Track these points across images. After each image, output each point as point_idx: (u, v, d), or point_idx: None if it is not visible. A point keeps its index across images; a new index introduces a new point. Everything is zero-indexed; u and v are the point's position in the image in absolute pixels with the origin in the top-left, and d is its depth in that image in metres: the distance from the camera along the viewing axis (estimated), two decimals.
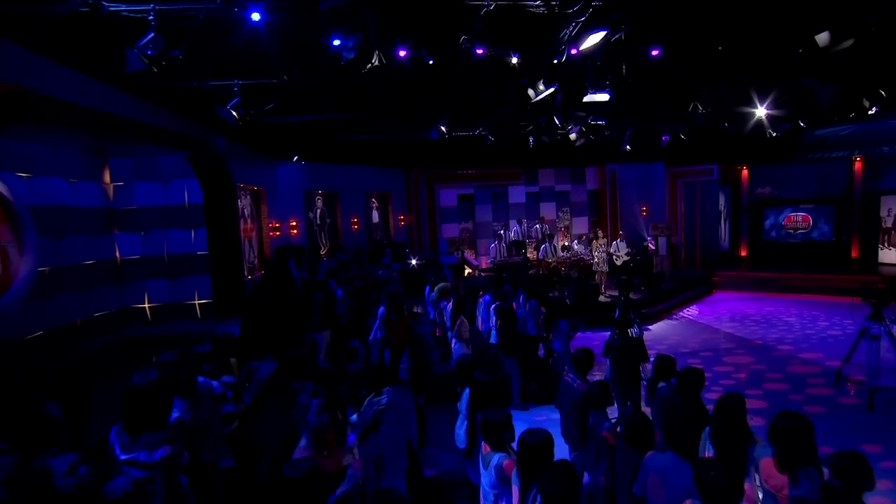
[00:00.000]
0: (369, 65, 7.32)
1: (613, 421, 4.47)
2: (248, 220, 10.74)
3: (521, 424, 3.62)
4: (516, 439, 3.27)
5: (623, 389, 6.44)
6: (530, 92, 9.11)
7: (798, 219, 16.92)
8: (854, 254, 15.93)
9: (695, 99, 10.59)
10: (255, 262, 10.64)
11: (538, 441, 3.00)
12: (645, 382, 6.65)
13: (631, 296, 8.02)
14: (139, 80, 6.84)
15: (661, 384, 4.99)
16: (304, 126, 12.13)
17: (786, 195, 17.17)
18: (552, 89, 8.84)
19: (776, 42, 8.12)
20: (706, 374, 4.57)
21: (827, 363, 9.08)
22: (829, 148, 16.30)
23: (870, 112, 11.47)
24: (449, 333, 8.42)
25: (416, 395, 7.78)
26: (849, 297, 13.50)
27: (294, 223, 12.79)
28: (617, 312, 7.53)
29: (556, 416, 7.82)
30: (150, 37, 5.62)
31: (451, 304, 8.36)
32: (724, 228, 17.99)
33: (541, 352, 9.17)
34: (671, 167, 17.68)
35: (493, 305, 8.89)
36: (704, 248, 17.52)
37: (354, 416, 4.19)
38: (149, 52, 5.69)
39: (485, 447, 3.62)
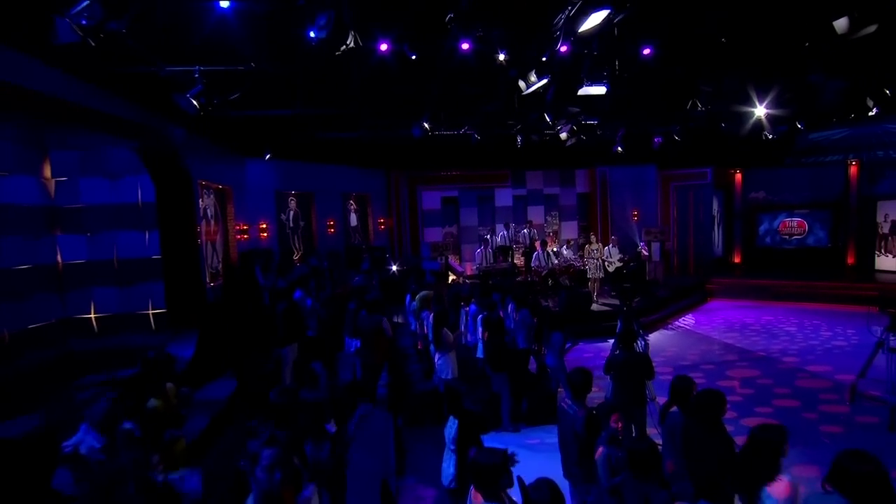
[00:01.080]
0: (344, 46, 6.67)
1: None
2: (212, 222, 9.97)
3: (511, 450, 3.02)
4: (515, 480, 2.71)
5: (627, 412, 5.85)
6: (521, 84, 8.56)
7: (793, 224, 16.76)
8: (850, 260, 15.74)
9: (694, 95, 10.16)
10: (220, 267, 9.86)
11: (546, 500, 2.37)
12: (651, 403, 6.10)
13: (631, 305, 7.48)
14: (80, 60, 6.16)
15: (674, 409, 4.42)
16: (277, 121, 11.47)
17: (780, 200, 17.01)
18: (545, 80, 8.30)
19: (784, 34, 7.72)
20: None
21: (837, 377, 8.66)
22: (822, 152, 16.17)
23: (870, 113, 11.21)
24: (431, 347, 7.77)
25: (395, 416, 7.11)
26: (847, 306, 13.47)
27: (264, 225, 12.05)
28: (618, 325, 6.97)
29: (551, 438, 7.23)
30: (84, 4, 4.91)
31: (433, 314, 7.70)
32: (717, 234, 17.77)
33: (532, 365, 8.59)
34: (664, 170, 17.44)
35: (480, 316, 8.28)
36: (698, 254, 17.27)
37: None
38: (83, 23, 4.99)
39: (475, 495, 2.98)
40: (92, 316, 8.06)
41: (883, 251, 15.27)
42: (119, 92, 6.76)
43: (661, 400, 6.31)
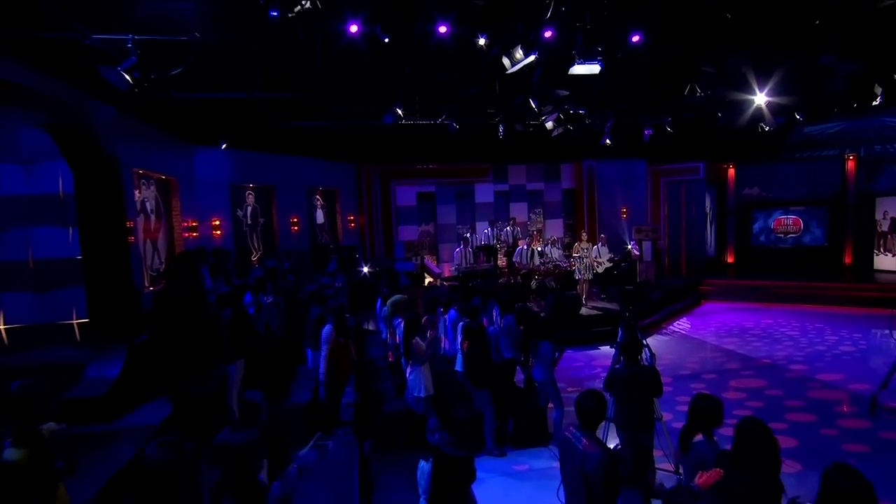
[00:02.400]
0: (298, 7, 5.86)
1: None
2: (152, 217, 9.01)
3: (495, 479, 2.31)
4: None
5: (632, 436, 5.17)
6: (505, 61, 7.84)
7: (788, 222, 16.50)
8: (848, 260, 15.52)
9: (693, 79, 9.61)
10: (162, 269, 8.91)
11: None
12: (659, 425, 5.44)
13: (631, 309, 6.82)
14: None
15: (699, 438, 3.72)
16: (232, 106, 10.70)
17: (775, 196, 16.74)
18: (532, 57, 7.60)
19: (796, 8, 7.18)
20: None
21: (851, 386, 8.18)
22: (818, 146, 15.96)
23: (875, 102, 10.82)
24: (403, 359, 6.99)
25: (362, 442, 6.31)
26: (847, 308, 13.18)
27: (217, 222, 11.12)
28: (619, 333, 6.29)
29: (541, 463, 6.56)
30: None
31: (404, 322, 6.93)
32: (710, 232, 17.47)
33: (518, 375, 7.88)
34: (654, 165, 17.07)
35: (461, 324, 7.54)
36: (690, 253, 16.93)
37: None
38: None
39: None
40: (1, 327, 7.06)
41: (882, 250, 15.05)
42: (30, 60, 5.83)
43: (667, 415, 5.69)
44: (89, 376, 6.14)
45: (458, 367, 7.51)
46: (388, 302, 7.88)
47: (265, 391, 6.81)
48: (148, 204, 8.86)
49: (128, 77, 6.85)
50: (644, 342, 5.44)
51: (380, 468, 6.23)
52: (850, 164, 15.40)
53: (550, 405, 6.97)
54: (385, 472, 6.19)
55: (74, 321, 7.38)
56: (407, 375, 6.80)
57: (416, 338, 6.69)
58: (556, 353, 6.96)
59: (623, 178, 17.07)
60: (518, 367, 7.81)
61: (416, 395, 6.62)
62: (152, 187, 9.07)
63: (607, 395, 5.67)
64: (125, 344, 6.36)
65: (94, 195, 6.14)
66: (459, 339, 7.55)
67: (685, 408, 4.23)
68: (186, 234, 10.16)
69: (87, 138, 6.06)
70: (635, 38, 7.61)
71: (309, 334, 7.44)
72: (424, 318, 9.61)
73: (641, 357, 5.54)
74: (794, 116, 12.68)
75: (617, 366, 5.66)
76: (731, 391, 8.31)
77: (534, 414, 7.02)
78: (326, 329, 6.22)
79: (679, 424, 6.84)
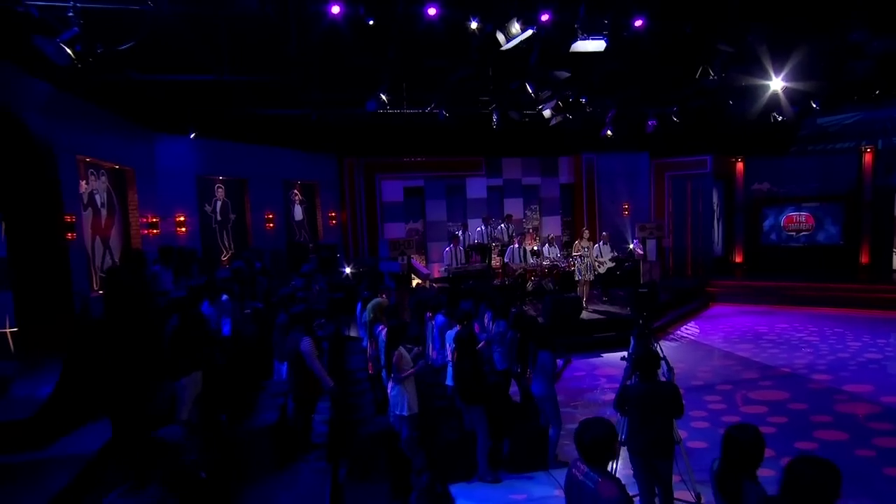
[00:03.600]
0: None
1: None
2: (104, 212, 8.32)
3: None
4: None
5: (648, 463, 4.57)
6: (500, 37, 7.24)
7: (800, 219, 16.09)
8: (864, 259, 15.12)
9: (706, 60, 9.06)
10: None
11: None
12: (678, 448, 4.84)
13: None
14: None
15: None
16: (201, 89, 10.11)
17: (786, 192, 16.38)
18: (529, 32, 7.00)
19: None
20: (733, 417, 3.10)
21: (882, 399, 7.69)
22: (832, 138, 15.56)
23: None
24: (384, 372, 6.36)
25: (336, 468, 5.68)
26: (866, 311, 12.65)
27: (182, 218, 10.45)
28: (632, 344, 5.69)
29: (540, 491, 5.93)
30: None
31: (386, 329, 6.32)
32: (717, 230, 17.06)
33: (512, 388, 7.32)
34: (658, 158, 16.67)
35: (450, 331, 6.96)
36: (696, 252, 16.51)
37: None
38: None
39: None
40: None
41: None
42: None
43: (681, 433, 5.11)
44: (15, 395, 5.46)
45: (448, 380, 6.94)
46: (368, 306, 7.25)
47: (227, 410, 6.20)
48: (98, 197, 8.16)
49: (68, 50, 6.19)
50: (662, 354, 4.83)
51: (356, 496, 5.61)
52: (867, 158, 14.99)
53: (551, 426, 6.37)
54: (363, 500, 5.56)
55: (7, 329, 6.67)
56: (388, 391, 6.18)
57: (401, 348, 6.07)
58: (560, 364, 6.35)
59: (625, 172, 16.66)
60: (514, 380, 7.26)
61: (398, 413, 6.01)
62: (103, 178, 8.37)
63: (617, 416, 5.13)
64: (60, 357, 5.67)
65: (22, 184, 5.46)
66: (448, 347, 6.98)
67: (701, 424, 3.81)
68: (146, 232, 9.48)
69: (11, 117, 5.38)
70: (642, 15, 7.09)
71: (277, 342, 6.81)
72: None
73: (659, 372, 4.94)
74: (808, 105, 12.20)
75: (629, 382, 5.06)
76: (750, 404, 7.78)
77: (533, 434, 6.44)
78: (305, 343, 5.56)
79: (697, 444, 6.33)
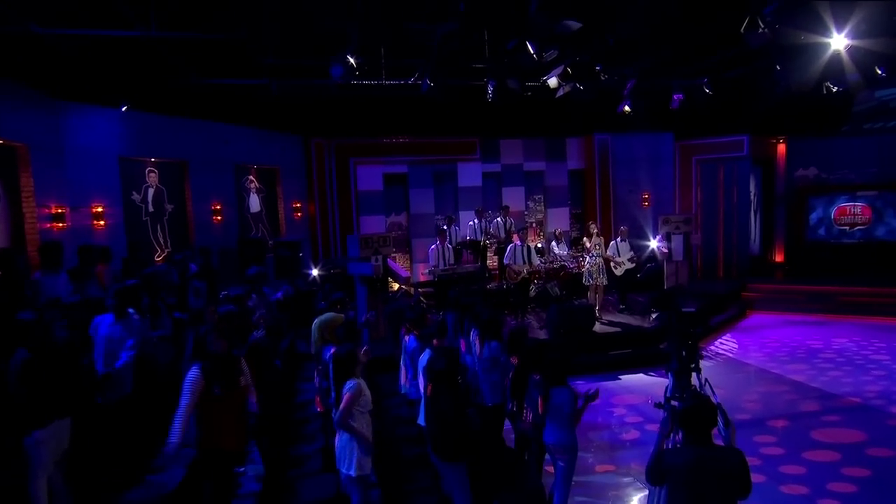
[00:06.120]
0: None
1: None
2: None
3: None
4: None
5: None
6: None
7: (855, 211, 15.07)
8: None
9: (756, 9, 7.82)
10: None
11: None
12: None
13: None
14: None
15: None
16: (124, 48, 8.95)
17: (837, 179, 15.35)
18: None
19: None
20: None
21: None
22: (893, 114, 14.31)
23: None
24: (334, 412, 5.10)
25: None
26: None
27: (100, 209, 9.24)
28: (670, 385, 4.45)
29: None
30: None
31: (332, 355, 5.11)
32: (754, 224, 16.12)
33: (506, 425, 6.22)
34: (684, 139, 15.75)
35: (422, 355, 5.84)
36: (729, 250, 15.50)
37: None
38: None
39: None
40: None
41: None
42: None
43: None
44: None
45: (421, 418, 5.72)
46: (315, 323, 6.01)
47: (109, 472, 4.94)
48: None
49: None
50: (718, 403, 3.57)
51: None
52: None
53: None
54: None
55: None
56: (335, 439, 4.94)
57: (354, 381, 4.83)
58: (580, 401, 5.07)
59: (645, 155, 15.76)
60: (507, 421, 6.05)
61: (345, 472, 4.77)
62: None
63: (650, 488, 3.91)
64: None
65: None
66: (421, 378, 5.77)
67: (754, 477, 2.94)
68: (48, 225, 8.26)
69: None
70: None
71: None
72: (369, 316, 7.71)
73: (706, 391, 3.71)
74: (872, 72, 10.95)
75: (670, 443, 3.82)
76: (815, 448, 6.57)
77: (533, 498, 5.18)
78: (191, 374, 4.33)
79: None
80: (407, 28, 9.83)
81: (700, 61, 11.65)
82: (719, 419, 3.89)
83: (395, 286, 12.24)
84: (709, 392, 4.18)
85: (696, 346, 4.70)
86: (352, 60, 10.01)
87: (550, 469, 5.33)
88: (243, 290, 7.57)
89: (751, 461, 5.96)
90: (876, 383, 8.53)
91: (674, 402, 4.20)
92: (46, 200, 8.31)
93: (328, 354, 5.74)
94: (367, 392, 4.91)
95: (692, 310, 4.69)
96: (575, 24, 7.76)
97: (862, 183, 15.03)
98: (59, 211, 8.52)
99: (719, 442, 3.71)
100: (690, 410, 3.43)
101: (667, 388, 4.66)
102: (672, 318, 5.38)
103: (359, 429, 4.73)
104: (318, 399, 6.15)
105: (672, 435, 3.89)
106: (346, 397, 4.71)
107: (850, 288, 13.26)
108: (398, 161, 14.51)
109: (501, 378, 6.03)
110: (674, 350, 4.73)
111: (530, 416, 5.40)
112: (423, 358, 5.83)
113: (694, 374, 4.55)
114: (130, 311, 5.55)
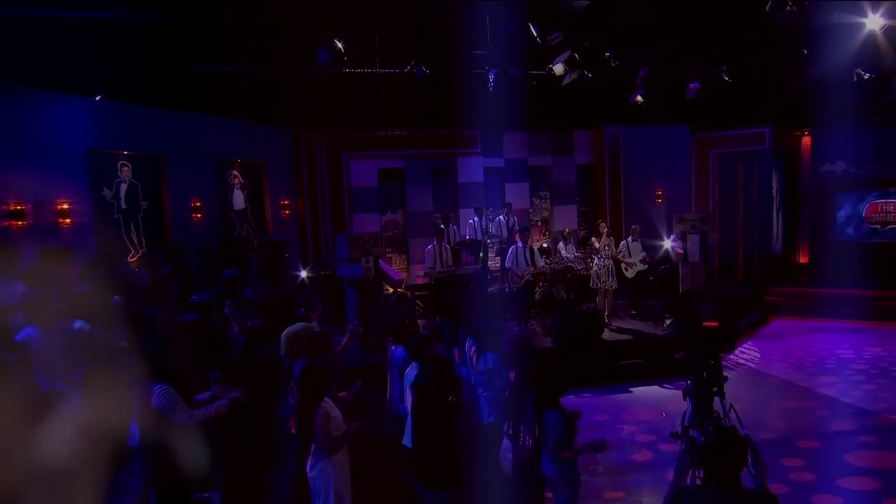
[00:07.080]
0: None
1: None
2: None
3: None
4: None
5: None
6: None
7: (888, 208, 14.68)
8: None
9: None
10: None
11: None
12: None
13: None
14: None
15: None
16: (93, 31, 8.91)
17: (868, 174, 14.88)
18: None
19: None
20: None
21: None
22: None
23: None
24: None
25: None
26: None
27: (66, 206, 8.87)
28: (688, 412, 3.98)
29: None
30: None
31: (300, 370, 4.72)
32: (776, 222, 15.93)
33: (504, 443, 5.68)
34: (701, 132, 15.58)
35: (408, 370, 5.54)
36: (749, 251, 15.32)
37: None
38: None
39: None
40: None
41: None
42: None
43: None
44: None
45: (407, 439, 5.33)
46: (283, 335, 5.58)
47: None
48: None
49: None
50: (747, 435, 3.10)
51: None
52: None
53: None
54: None
55: None
56: (308, 468, 4.53)
57: (327, 403, 4.43)
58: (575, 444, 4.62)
59: (659, 149, 15.59)
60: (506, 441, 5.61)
61: None
62: None
63: None
64: None
65: None
66: (408, 397, 5.37)
67: None
68: (6, 223, 7.92)
69: None
70: None
71: None
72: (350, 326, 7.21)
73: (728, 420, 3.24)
74: None
75: (689, 478, 3.34)
76: (852, 475, 6.11)
77: None
78: (157, 394, 3.92)
79: None
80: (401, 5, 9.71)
81: (719, 46, 11.54)
82: (733, 412, 3.44)
83: (390, 290, 11.91)
84: (734, 421, 3.70)
85: (720, 366, 4.20)
86: (339, 45, 9.75)
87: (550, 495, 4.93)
88: (213, 295, 7.19)
89: (778, 489, 5.54)
90: None
91: (693, 432, 3.74)
92: (4, 196, 7.97)
93: (297, 369, 5.37)
94: (335, 412, 4.49)
95: (715, 324, 4.25)
96: (582, 2, 7.40)
97: (895, 178, 14.69)
98: (18, 208, 8.17)
99: (747, 480, 3.24)
100: (714, 448, 2.95)
101: (684, 414, 4.19)
102: (691, 332, 4.85)
103: (335, 460, 4.33)
104: (293, 420, 5.76)
105: (691, 471, 3.42)
106: (319, 424, 4.30)
107: (882, 292, 12.87)
108: (394, 155, 14.31)
109: (500, 393, 5.69)
110: (693, 370, 4.25)
111: (529, 441, 4.97)
112: (411, 372, 5.49)
113: (717, 399, 4.08)
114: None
